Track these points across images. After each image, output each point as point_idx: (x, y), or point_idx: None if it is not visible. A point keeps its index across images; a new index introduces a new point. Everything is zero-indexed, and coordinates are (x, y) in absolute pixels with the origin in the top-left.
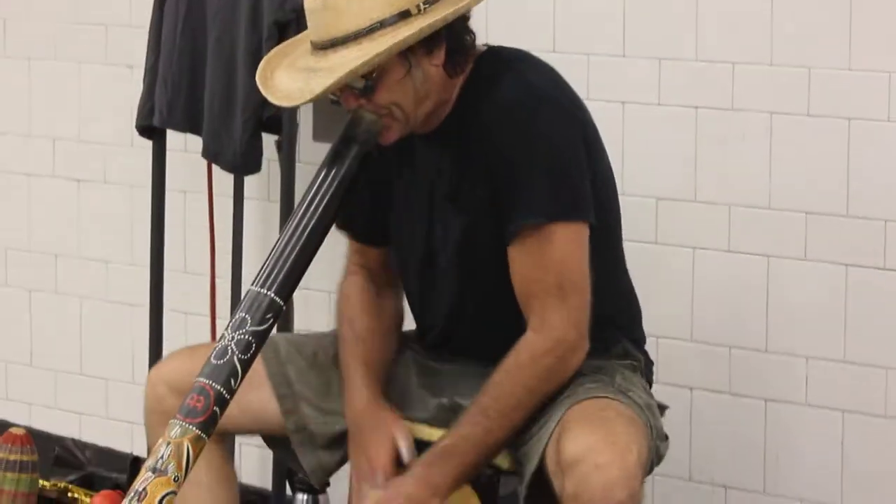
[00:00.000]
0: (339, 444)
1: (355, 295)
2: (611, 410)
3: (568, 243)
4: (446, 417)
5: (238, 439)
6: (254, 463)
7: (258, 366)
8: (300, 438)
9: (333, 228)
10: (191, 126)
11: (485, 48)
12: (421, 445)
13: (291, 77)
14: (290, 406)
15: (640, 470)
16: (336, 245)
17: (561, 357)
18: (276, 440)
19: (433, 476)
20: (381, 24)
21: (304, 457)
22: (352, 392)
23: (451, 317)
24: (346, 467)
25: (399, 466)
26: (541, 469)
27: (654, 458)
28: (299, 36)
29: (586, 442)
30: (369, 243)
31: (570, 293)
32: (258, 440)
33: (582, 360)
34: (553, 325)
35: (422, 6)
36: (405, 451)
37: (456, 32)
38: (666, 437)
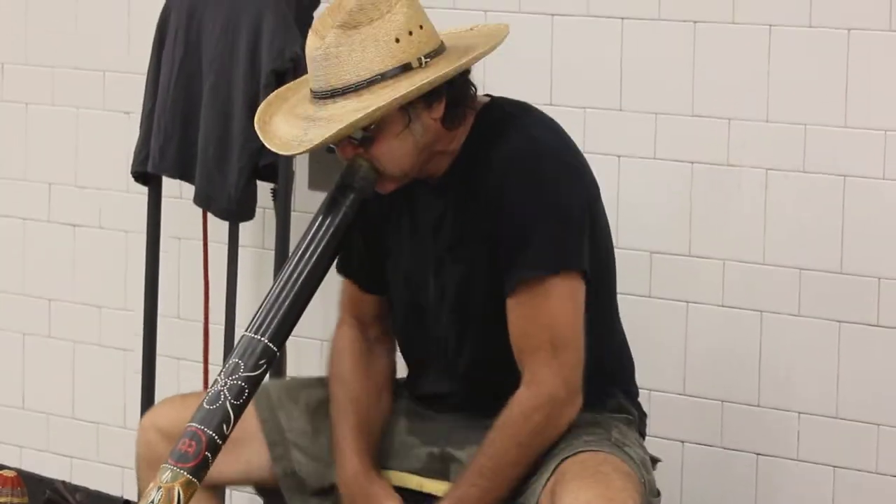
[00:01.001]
0: (329, 494)
1: (347, 352)
2: (608, 465)
3: (563, 298)
4: (437, 468)
5: (229, 487)
6: None
7: (250, 415)
8: (290, 484)
9: (331, 274)
10: (182, 172)
11: (487, 99)
12: (409, 495)
13: (290, 124)
14: (280, 452)
15: None
16: (329, 293)
17: (551, 413)
18: (267, 492)
19: None
20: (382, 77)
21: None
22: (343, 460)
23: (445, 366)
24: None
25: None
26: None
27: None
28: (300, 80)
29: (584, 497)
30: (367, 290)
31: (561, 349)
32: (249, 489)
33: (574, 415)
34: (543, 381)
35: (423, 59)
36: None
37: (457, 86)
38: (658, 493)
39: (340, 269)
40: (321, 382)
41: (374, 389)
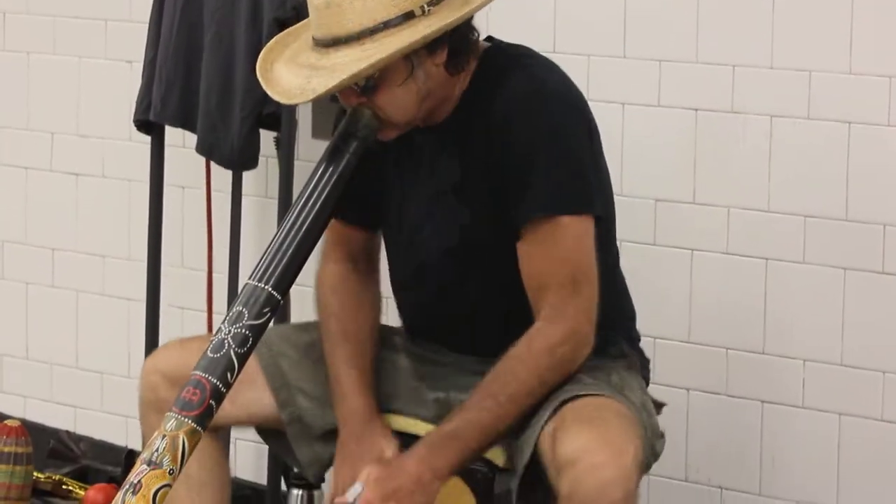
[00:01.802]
0: (334, 437)
1: (338, 287)
2: (607, 410)
3: (579, 236)
4: (440, 412)
5: (233, 434)
6: (249, 458)
7: (251, 360)
8: (295, 430)
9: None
10: (184, 121)
11: (488, 44)
12: (413, 439)
13: (292, 73)
14: (285, 397)
15: (636, 470)
16: None
17: (575, 348)
18: (270, 434)
19: (435, 458)
20: (385, 25)
21: (300, 449)
22: (341, 398)
23: (446, 310)
24: None
25: None
26: (533, 463)
27: (650, 457)
28: (300, 24)
29: (582, 442)
30: (358, 224)
31: (583, 285)
32: (253, 435)
33: (589, 351)
34: (569, 316)
35: (426, 7)
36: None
37: (460, 33)
38: (662, 435)
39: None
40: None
41: (367, 324)
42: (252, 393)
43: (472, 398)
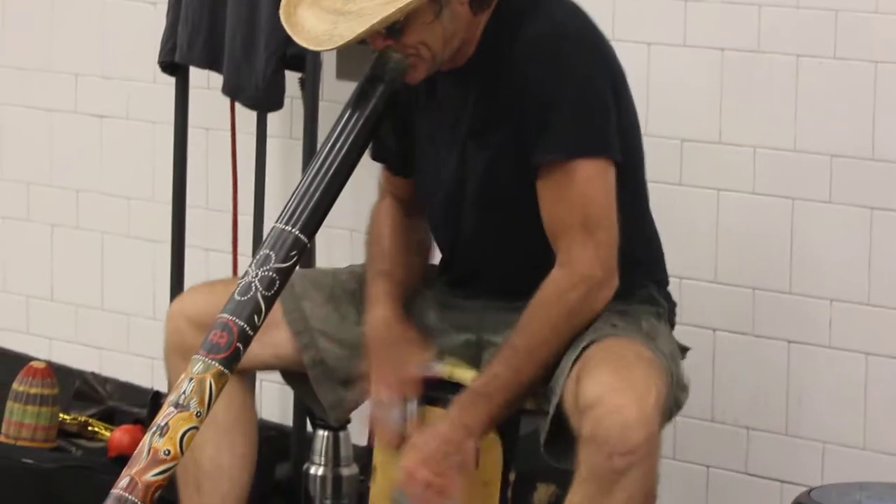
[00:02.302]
0: (358, 381)
1: (385, 217)
2: (631, 352)
3: (591, 180)
4: (473, 354)
5: (259, 376)
6: (274, 399)
7: (275, 303)
8: (318, 374)
9: (362, 165)
10: (210, 62)
11: None
12: (440, 383)
13: (317, 16)
14: (306, 341)
15: (659, 413)
16: (360, 185)
17: (587, 293)
18: (295, 378)
19: (467, 418)
20: None
21: (323, 393)
22: (373, 305)
23: (474, 252)
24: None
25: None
26: (560, 406)
27: (672, 406)
28: None
29: (605, 383)
30: (397, 174)
31: (595, 229)
32: (279, 377)
33: (609, 298)
34: (579, 261)
35: None
36: (428, 367)
37: None
38: (686, 388)
39: (375, 156)
40: (347, 272)
41: (409, 250)
42: (276, 336)
43: (497, 354)
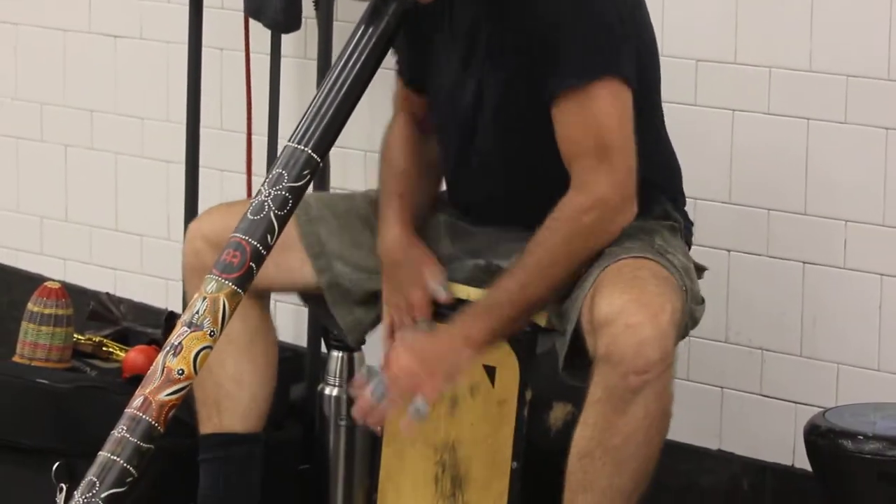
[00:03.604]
0: (374, 301)
1: (399, 136)
2: (646, 271)
3: (607, 103)
4: (483, 278)
5: (273, 296)
6: (289, 321)
7: (290, 226)
8: (335, 295)
9: (375, 83)
10: None
11: None
12: (457, 304)
13: None
14: (322, 264)
15: (673, 331)
16: (374, 103)
17: (602, 217)
18: (311, 298)
19: (468, 327)
20: None
21: (340, 314)
22: (385, 227)
23: (488, 177)
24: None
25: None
26: (577, 326)
27: (688, 321)
28: None
29: (619, 302)
30: (414, 90)
31: (611, 153)
32: (293, 297)
33: (626, 222)
34: (593, 185)
35: None
36: (438, 289)
37: None
38: (702, 301)
39: (398, 72)
40: (363, 197)
41: (422, 169)
42: (291, 259)
43: (508, 270)
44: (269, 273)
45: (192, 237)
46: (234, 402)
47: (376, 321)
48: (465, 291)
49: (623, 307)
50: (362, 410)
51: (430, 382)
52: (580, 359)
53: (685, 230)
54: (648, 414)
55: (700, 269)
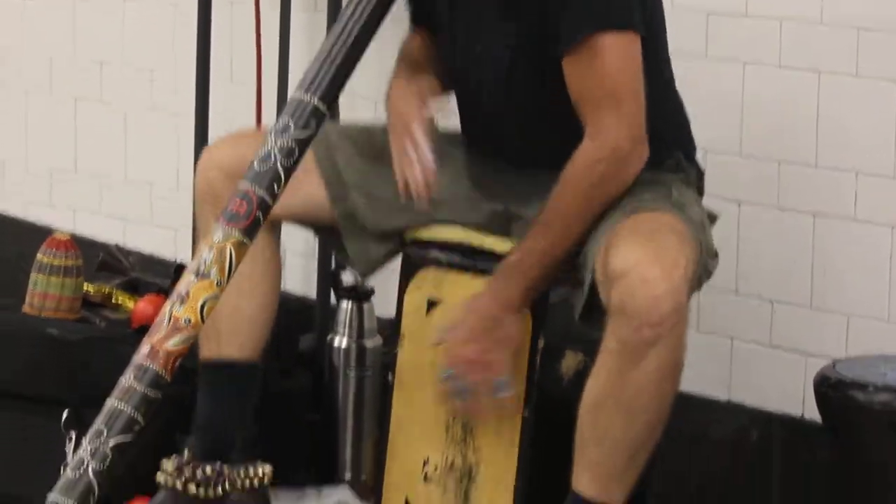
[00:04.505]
0: (387, 238)
1: (415, 43)
2: (662, 224)
3: (618, 53)
4: (500, 224)
5: (283, 246)
6: (298, 272)
7: (308, 154)
8: (348, 226)
9: (383, 32)
10: None
11: None
12: (471, 250)
13: None
14: (338, 193)
15: (687, 285)
16: (382, 52)
17: (616, 164)
18: (324, 229)
19: (502, 292)
20: None
21: (352, 245)
22: (391, 82)
23: (502, 125)
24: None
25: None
26: (591, 277)
27: (702, 275)
28: None
29: (634, 255)
30: (419, 24)
31: (623, 101)
32: (303, 248)
33: (640, 168)
34: (606, 133)
35: None
36: (432, 93)
37: None
38: (716, 254)
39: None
40: (381, 128)
41: (434, 65)
42: (307, 187)
43: (531, 228)
44: (283, 201)
45: (204, 166)
46: (234, 331)
47: (387, 257)
48: (479, 239)
49: (638, 260)
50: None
51: (493, 360)
52: (596, 308)
53: (697, 180)
54: (661, 366)
55: (712, 218)
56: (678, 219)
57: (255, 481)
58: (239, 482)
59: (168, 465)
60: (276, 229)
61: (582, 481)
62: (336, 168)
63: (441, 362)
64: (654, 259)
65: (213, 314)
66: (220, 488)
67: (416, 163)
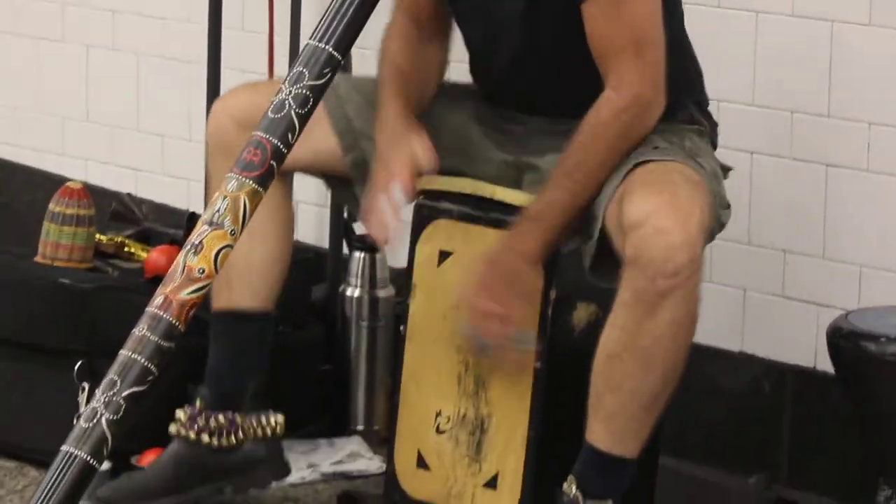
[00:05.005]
0: None
1: (398, 36)
2: (676, 174)
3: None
4: (511, 175)
5: (295, 197)
6: (311, 222)
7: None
8: (360, 175)
9: None
10: None
11: None
12: (482, 202)
13: None
14: (349, 142)
15: (702, 235)
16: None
17: (639, 113)
18: (335, 179)
19: (522, 244)
20: None
21: (365, 195)
22: (380, 112)
23: (519, 74)
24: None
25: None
26: (603, 227)
27: (715, 226)
28: None
29: (649, 205)
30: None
31: (645, 49)
32: (316, 199)
33: (659, 116)
34: (630, 81)
35: None
36: (423, 160)
37: None
38: (728, 206)
39: None
40: None
41: (422, 70)
42: (318, 138)
43: (551, 178)
44: (294, 151)
45: (217, 115)
46: (246, 281)
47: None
48: (489, 189)
49: (653, 210)
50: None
51: (515, 314)
52: (606, 260)
53: (711, 132)
54: (676, 317)
55: (725, 170)
56: (692, 169)
57: (268, 430)
58: (252, 431)
59: (181, 414)
60: (288, 179)
61: (596, 434)
62: (347, 118)
63: (463, 317)
64: (669, 209)
65: (225, 265)
66: (232, 437)
67: (385, 222)
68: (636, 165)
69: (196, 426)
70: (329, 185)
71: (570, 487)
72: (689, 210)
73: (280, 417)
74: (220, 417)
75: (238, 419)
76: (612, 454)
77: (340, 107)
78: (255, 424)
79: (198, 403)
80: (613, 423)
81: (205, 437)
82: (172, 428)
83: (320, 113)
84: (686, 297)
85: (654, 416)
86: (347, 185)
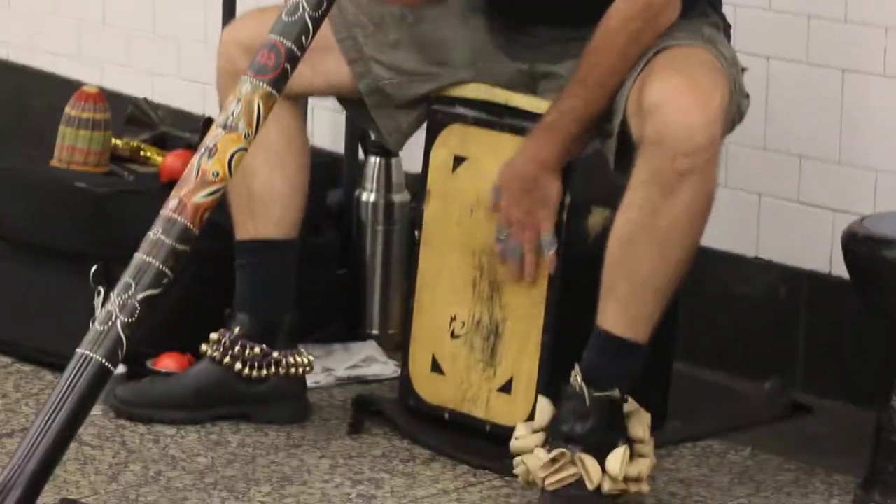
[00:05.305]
0: (415, 105)
1: None
2: (696, 58)
3: None
4: (525, 82)
5: (311, 102)
6: (326, 126)
7: (325, 29)
8: (375, 100)
9: None
10: None
11: None
12: (496, 108)
13: None
14: (361, 69)
15: (723, 117)
16: None
17: (650, 19)
18: (351, 102)
19: (540, 152)
20: None
21: (381, 119)
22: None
23: None
24: (421, 132)
25: None
26: (623, 120)
27: (735, 113)
28: None
29: (670, 86)
30: None
31: None
32: (331, 103)
33: (671, 21)
34: None
35: None
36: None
37: None
38: (747, 95)
39: None
40: None
41: None
42: (329, 63)
43: (566, 87)
44: (306, 77)
45: (227, 43)
46: (268, 210)
47: (416, 124)
48: (503, 95)
49: (674, 91)
50: (516, 275)
51: (539, 220)
52: (628, 156)
53: (725, 31)
54: (694, 199)
55: (741, 70)
56: (711, 54)
57: (299, 371)
58: (283, 369)
59: (216, 337)
60: (300, 104)
61: (608, 318)
62: (356, 42)
63: (485, 226)
64: (690, 90)
65: (245, 193)
66: (264, 370)
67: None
68: (657, 53)
69: (231, 353)
70: (345, 106)
71: (576, 379)
72: (709, 91)
73: (310, 357)
74: (257, 349)
75: (274, 354)
76: (625, 338)
77: (350, 32)
78: (287, 362)
79: (237, 330)
80: (626, 307)
81: (238, 365)
82: (204, 347)
83: (330, 40)
84: (704, 180)
85: (665, 300)
86: (363, 107)
